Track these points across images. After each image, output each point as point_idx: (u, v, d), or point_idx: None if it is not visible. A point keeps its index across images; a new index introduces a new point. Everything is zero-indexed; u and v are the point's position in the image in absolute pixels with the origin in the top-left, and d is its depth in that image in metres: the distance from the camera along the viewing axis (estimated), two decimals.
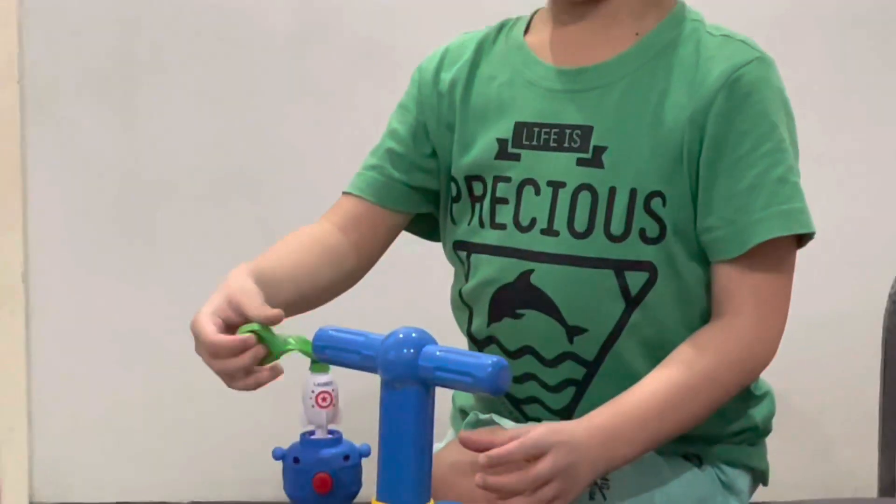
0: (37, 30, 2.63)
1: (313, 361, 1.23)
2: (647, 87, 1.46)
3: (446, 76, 1.56)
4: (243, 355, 1.30)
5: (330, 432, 1.27)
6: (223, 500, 2.52)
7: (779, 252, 1.42)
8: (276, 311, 1.32)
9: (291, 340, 1.28)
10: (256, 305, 1.33)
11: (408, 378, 1.09)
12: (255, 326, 1.30)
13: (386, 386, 1.10)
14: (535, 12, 1.57)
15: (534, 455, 1.25)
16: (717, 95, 1.42)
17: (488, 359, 1.06)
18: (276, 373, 1.30)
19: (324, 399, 1.26)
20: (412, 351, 1.08)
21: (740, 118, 1.42)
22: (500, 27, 1.59)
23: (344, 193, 1.59)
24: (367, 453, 1.27)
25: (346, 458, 1.26)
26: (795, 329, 2.46)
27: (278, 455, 1.26)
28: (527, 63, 1.52)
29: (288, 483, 1.27)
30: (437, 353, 1.08)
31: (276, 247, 1.55)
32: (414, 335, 1.09)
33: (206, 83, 2.66)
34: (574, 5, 1.48)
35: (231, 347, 1.29)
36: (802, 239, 1.46)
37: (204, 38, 2.64)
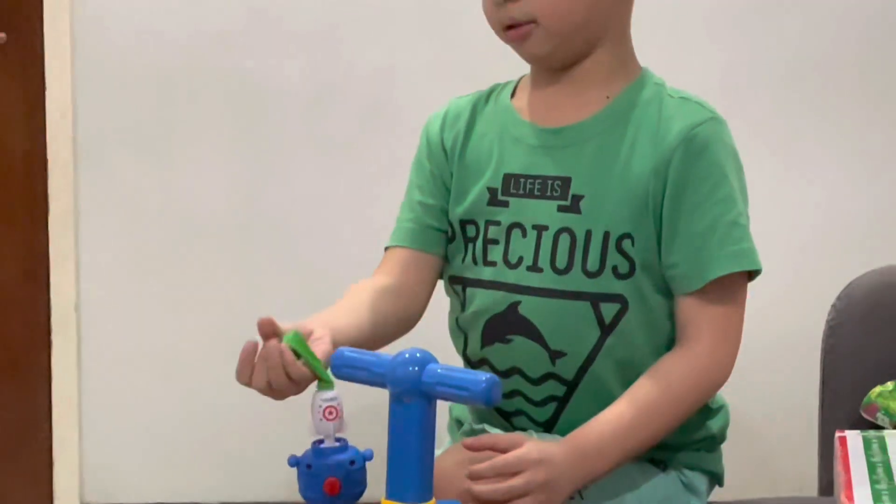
0: (87, 89, 2.63)
1: (320, 381, 1.23)
2: (616, 143, 1.46)
3: (448, 135, 1.55)
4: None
5: (337, 440, 1.26)
6: (248, 501, 2.53)
7: (732, 287, 1.43)
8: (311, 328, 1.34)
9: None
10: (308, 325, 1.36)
11: (413, 392, 1.09)
12: (292, 337, 1.30)
13: (394, 399, 1.11)
14: (521, 78, 1.57)
15: (514, 471, 1.27)
16: (676, 150, 1.42)
17: (482, 375, 1.07)
18: (299, 384, 1.30)
19: (330, 413, 1.25)
20: (417, 368, 1.09)
21: (696, 170, 1.42)
22: (491, 91, 1.58)
23: (387, 248, 1.57)
24: (370, 457, 1.26)
25: (352, 462, 1.25)
26: (749, 351, 2.46)
27: (293, 462, 1.26)
28: (513, 123, 1.52)
29: (302, 486, 1.27)
30: (439, 370, 1.09)
31: (342, 302, 1.51)
32: (418, 355, 1.10)
33: (234, 136, 2.66)
34: (552, 72, 1.49)
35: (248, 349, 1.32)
36: (752, 275, 1.46)
37: (232, 97, 2.64)
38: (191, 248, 2.68)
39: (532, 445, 1.31)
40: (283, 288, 2.64)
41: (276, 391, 1.33)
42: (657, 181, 1.43)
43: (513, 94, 1.56)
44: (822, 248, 2.59)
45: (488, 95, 1.57)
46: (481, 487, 1.27)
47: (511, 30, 1.44)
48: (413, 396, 1.09)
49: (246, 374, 1.34)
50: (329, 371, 1.21)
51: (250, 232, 2.68)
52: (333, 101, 2.64)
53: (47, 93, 2.63)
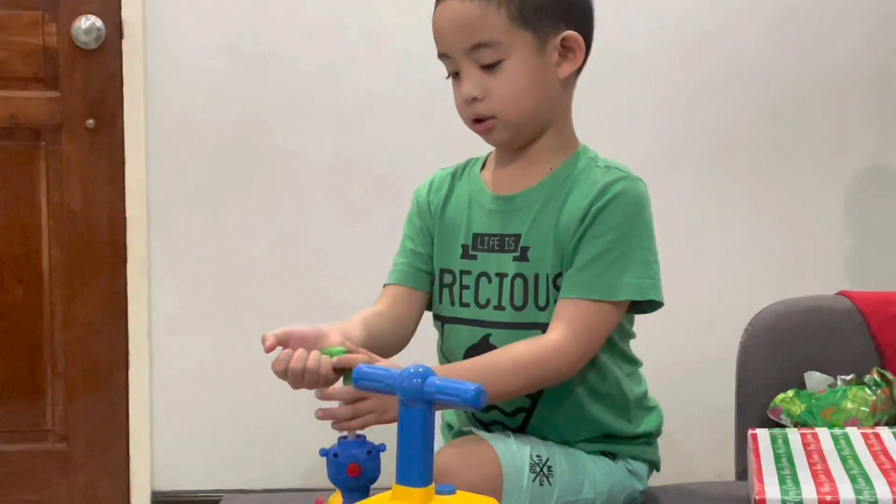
0: (157, 163, 2.63)
1: (345, 381, 1.25)
2: (553, 205, 1.45)
3: (433, 199, 1.56)
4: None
5: (357, 436, 1.27)
6: (286, 487, 2.49)
7: (596, 306, 1.39)
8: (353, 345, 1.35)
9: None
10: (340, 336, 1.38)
11: (417, 399, 1.08)
12: (333, 350, 1.30)
13: (402, 405, 1.09)
14: (489, 154, 1.56)
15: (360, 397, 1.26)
16: (595, 200, 1.41)
17: (471, 385, 1.07)
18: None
19: None
20: (419, 381, 1.08)
21: (603, 213, 1.41)
22: (466, 164, 1.58)
23: (385, 284, 1.56)
24: (383, 450, 1.28)
25: (370, 452, 1.26)
26: (680, 364, 2.51)
27: (323, 453, 1.26)
28: (479, 192, 1.52)
29: (330, 472, 1.27)
30: (437, 382, 1.08)
31: (352, 320, 1.49)
32: (420, 370, 1.09)
33: (273, 199, 2.65)
34: (511, 151, 1.49)
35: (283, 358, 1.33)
36: (643, 305, 1.42)
37: (272, 169, 2.64)
38: (238, 287, 2.68)
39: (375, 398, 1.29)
40: (311, 317, 2.62)
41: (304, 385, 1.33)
42: (579, 225, 1.42)
43: (483, 166, 1.55)
44: (737, 286, 2.59)
45: (464, 168, 1.58)
46: (331, 410, 1.27)
47: (478, 123, 1.45)
48: (417, 402, 1.09)
49: (281, 368, 1.34)
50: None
51: (285, 274, 2.67)
52: (351, 172, 2.65)
53: (126, 166, 2.63)
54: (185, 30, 2.61)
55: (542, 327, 1.43)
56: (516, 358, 1.38)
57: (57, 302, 2.66)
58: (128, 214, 2.64)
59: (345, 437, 1.27)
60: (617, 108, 2.59)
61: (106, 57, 2.60)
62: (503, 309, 1.45)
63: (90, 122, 2.62)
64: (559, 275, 1.43)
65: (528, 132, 1.46)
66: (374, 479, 1.26)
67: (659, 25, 2.63)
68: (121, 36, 2.59)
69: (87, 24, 2.57)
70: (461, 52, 1.41)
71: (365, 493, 1.25)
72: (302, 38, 2.63)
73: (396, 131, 2.63)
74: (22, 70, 2.60)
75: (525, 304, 1.45)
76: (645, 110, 2.65)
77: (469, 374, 1.31)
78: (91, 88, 2.62)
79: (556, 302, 1.42)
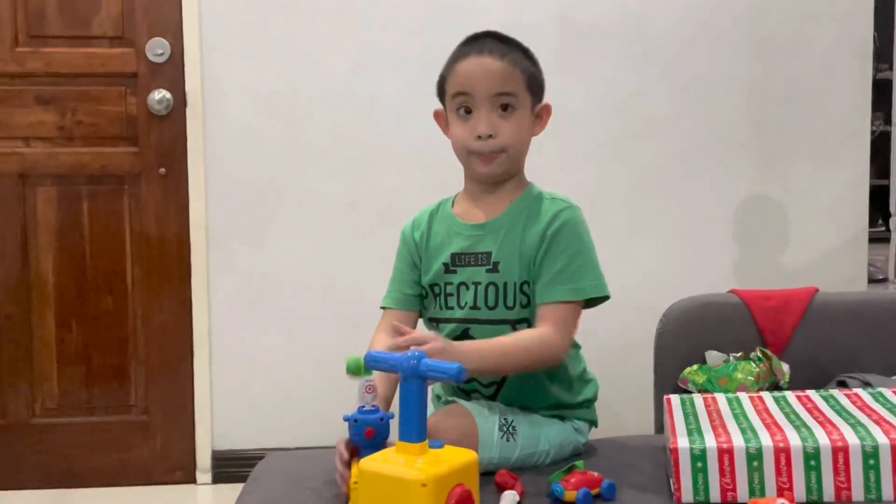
0: (214, 201, 2.61)
1: (365, 370, 1.22)
2: (517, 228, 1.44)
3: (416, 234, 1.52)
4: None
5: (373, 406, 1.26)
6: (317, 445, 2.41)
7: (569, 306, 1.39)
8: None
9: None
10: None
11: (413, 376, 1.10)
12: (357, 360, 1.23)
13: (403, 380, 1.11)
14: (455, 195, 1.53)
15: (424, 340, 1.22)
16: (549, 226, 1.41)
17: (454, 365, 1.09)
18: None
19: (369, 389, 1.25)
20: (415, 362, 1.10)
21: (558, 236, 1.41)
22: (439, 204, 1.54)
23: (383, 307, 1.53)
24: (392, 417, 1.26)
25: (381, 419, 1.25)
26: (613, 346, 2.50)
27: (346, 418, 1.25)
28: (454, 224, 1.50)
29: (351, 434, 1.25)
30: (429, 363, 1.10)
31: (371, 345, 1.47)
32: (416, 354, 1.11)
33: (304, 230, 2.64)
34: (484, 186, 1.47)
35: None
36: (594, 300, 1.41)
37: (302, 205, 2.63)
38: (275, 295, 2.66)
39: (433, 334, 1.29)
40: (333, 317, 2.64)
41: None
42: (539, 245, 1.41)
43: (453, 204, 1.53)
44: (653, 286, 2.57)
45: (438, 207, 1.55)
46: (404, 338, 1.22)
47: (483, 157, 1.42)
48: (413, 378, 1.10)
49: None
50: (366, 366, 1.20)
51: (311, 285, 2.65)
52: (361, 207, 2.64)
53: (190, 204, 2.62)
54: (234, 100, 2.61)
55: (511, 322, 1.42)
56: (526, 344, 1.36)
57: (138, 308, 2.65)
58: (192, 241, 2.63)
59: (363, 407, 1.25)
60: (562, 151, 2.60)
61: (174, 121, 2.60)
62: (479, 309, 1.43)
63: (162, 170, 2.62)
64: (525, 282, 1.42)
65: (512, 170, 1.45)
66: (385, 439, 1.25)
67: (592, 89, 2.64)
68: (185, 104, 2.60)
69: (159, 96, 2.58)
70: (486, 96, 1.40)
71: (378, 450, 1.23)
72: (323, 105, 2.62)
73: (396, 175, 2.63)
74: (110, 131, 2.60)
75: (496, 304, 1.43)
76: (582, 153, 2.65)
77: (492, 351, 1.33)
78: (162, 145, 2.62)
79: (520, 303, 1.41)
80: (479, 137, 1.41)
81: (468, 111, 1.42)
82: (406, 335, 1.24)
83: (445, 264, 1.47)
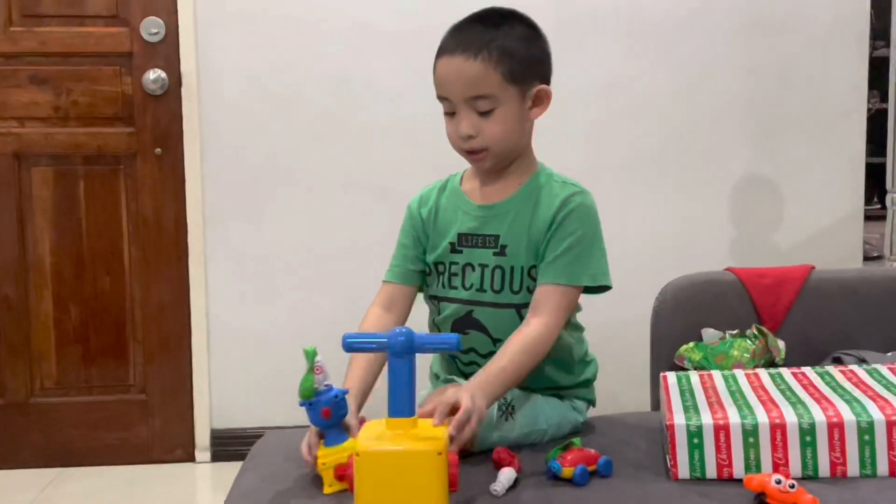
0: (210, 181, 2.60)
1: (310, 354, 1.19)
2: (525, 213, 1.41)
3: (423, 210, 1.49)
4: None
5: (326, 386, 1.22)
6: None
7: (567, 289, 1.37)
8: None
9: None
10: None
11: (402, 351, 1.08)
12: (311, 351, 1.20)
13: (392, 356, 1.09)
14: (465, 170, 1.49)
15: (453, 406, 1.18)
16: (558, 210, 1.39)
17: (453, 336, 1.10)
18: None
19: (318, 370, 1.20)
20: (403, 339, 1.08)
21: (566, 220, 1.39)
22: (447, 180, 1.52)
23: (384, 281, 1.51)
24: (347, 392, 1.24)
25: (336, 397, 1.21)
26: (610, 324, 2.50)
27: (301, 404, 1.22)
28: (463, 202, 1.47)
29: (311, 418, 1.23)
30: (426, 336, 1.10)
31: (365, 318, 1.46)
32: (404, 330, 1.10)
33: (301, 208, 2.62)
34: (490, 172, 1.45)
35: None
36: (594, 288, 1.39)
37: (298, 184, 2.61)
38: (273, 274, 2.66)
39: (453, 389, 1.23)
40: (330, 296, 2.64)
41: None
42: (548, 230, 1.39)
43: (461, 181, 1.51)
44: (651, 265, 2.57)
45: (446, 183, 1.52)
46: (457, 437, 1.16)
47: (471, 154, 1.41)
48: (403, 354, 1.08)
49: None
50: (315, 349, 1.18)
51: (308, 264, 2.65)
52: (358, 186, 2.63)
53: (186, 184, 2.61)
54: (229, 79, 2.60)
55: (516, 306, 1.41)
56: (526, 349, 1.34)
57: (136, 288, 2.65)
58: (188, 220, 2.62)
59: (317, 390, 1.22)
60: (558, 131, 2.52)
61: (169, 100, 2.59)
62: (485, 292, 1.42)
63: (158, 150, 2.61)
64: (532, 267, 1.40)
65: (506, 159, 1.43)
66: (343, 417, 1.23)
67: (588, 70, 2.63)
68: (180, 84, 2.59)
69: (154, 75, 2.57)
70: (462, 100, 1.36)
71: (339, 429, 1.22)
72: (319, 85, 2.61)
73: (392, 154, 2.62)
74: (105, 111, 2.59)
75: (502, 288, 1.41)
76: (577, 134, 2.64)
77: (503, 372, 1.30)
78: (158, 125, 2.60)
79: (527, 287, 1.40)
80: (463, 139, 1.39)
81: (453, 113, 1.39)
82: (435, 411, 1.16)
83: (452, 243, 1.45)
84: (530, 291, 1.40)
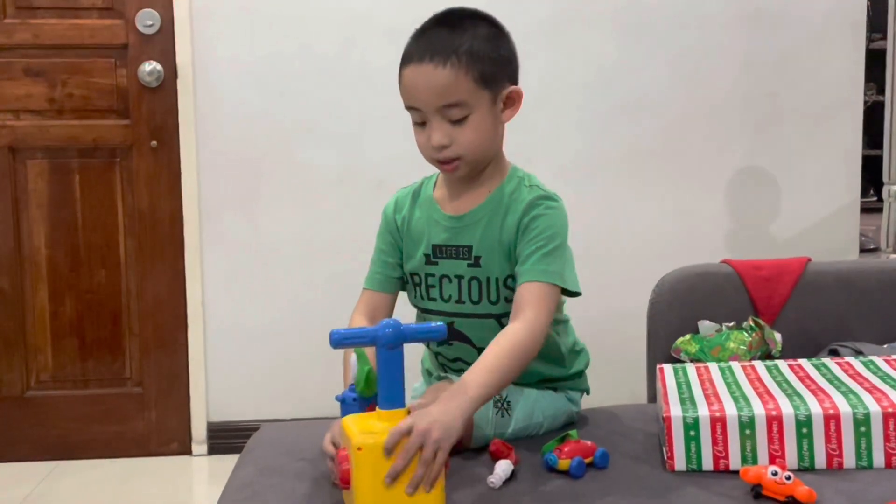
0: (205, 173, 2.60)
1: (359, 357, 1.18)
2: (496, 221, 1.38)
3: (398, 217, 1.46)
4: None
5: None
6: (310, 417, 2.44)
7: (545, 289, 1.33)
8: None
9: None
10: None
11: (389, 343, 1.08)
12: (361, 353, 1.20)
13: (380, 348, 1.09)
14: (438, 175, 1.45)
15: (405, 436, 1.07)
16: (523, 215, 1.36)
17: (441, 325, 1.10)
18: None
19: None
20: (391, 331, 1.08)
21: (532, 223, 1.35)
22: (421, 183, 1.47)
23: (364, 288, 1.48)
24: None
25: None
26: (606, 316, 2.51)
27: (339, 398, 1.23)
28: (434, 211, 1.43)
29: (347, 412, 1.22)
30: (412, 327, 1.10)
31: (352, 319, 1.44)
32: (391, 322, 1.09)
33: (296, 199, 2.62)
34: (460, 179, 1.41)
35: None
36: (567, 291, 1.36)
37: (295, 175, 2.61)
38: (268, 267, 2.65)
39: (409, 417, 1.10)
40: (325, 289, 2.63)
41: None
42: (516, 234, 1.36)
43: (434, 186, 1.45)
44: (647, 257, 2.58)
45: (420, 187, 1.47)
46: (394, 466, 1.07)
47: (444, 164, 1.36)
48: (391, 346, 1.08)
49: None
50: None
51: (303, 256, 2.65)
52: (352, 179, 2.63)
53: (182, 176, 2.61)
54: (224, 72, 2.59)
55: (496, 316, 1.39)
56: (512, 351, 1.27)
57: (131, 281, 2.64)
58: (184, 213, 2.62)
59: (354, 385, 1.23)
60: (555, 123, 2.58)
61: (165, 93, 2.58)
62: (463, 303, 1.40)
63: (153, 143, 2.60)
64: (508, 276, 1.37)
65: (481, 166, 1.39)
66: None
67: (584, 61, 2.62)
68: (176, 77, 2.58)
69: (150, 67, 2.56)
70: (433, 109, 1.31)
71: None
72: (314, 78, 2.61)
73: (388, 147, 2.60)
74: (101, 104, 2.59)
75: (480, 299, 1.39)
76: (574, 126, 2.63)
77: (490, 373, 1.23)
78: (154, 117, 2.60)
79: (504, 298, 1.37)
80: (436, 150, 1.34)
81: (423, 123, 1.35)
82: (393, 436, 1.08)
83: (426, 255, 1.42)
84: (508, 301, 1.37)
